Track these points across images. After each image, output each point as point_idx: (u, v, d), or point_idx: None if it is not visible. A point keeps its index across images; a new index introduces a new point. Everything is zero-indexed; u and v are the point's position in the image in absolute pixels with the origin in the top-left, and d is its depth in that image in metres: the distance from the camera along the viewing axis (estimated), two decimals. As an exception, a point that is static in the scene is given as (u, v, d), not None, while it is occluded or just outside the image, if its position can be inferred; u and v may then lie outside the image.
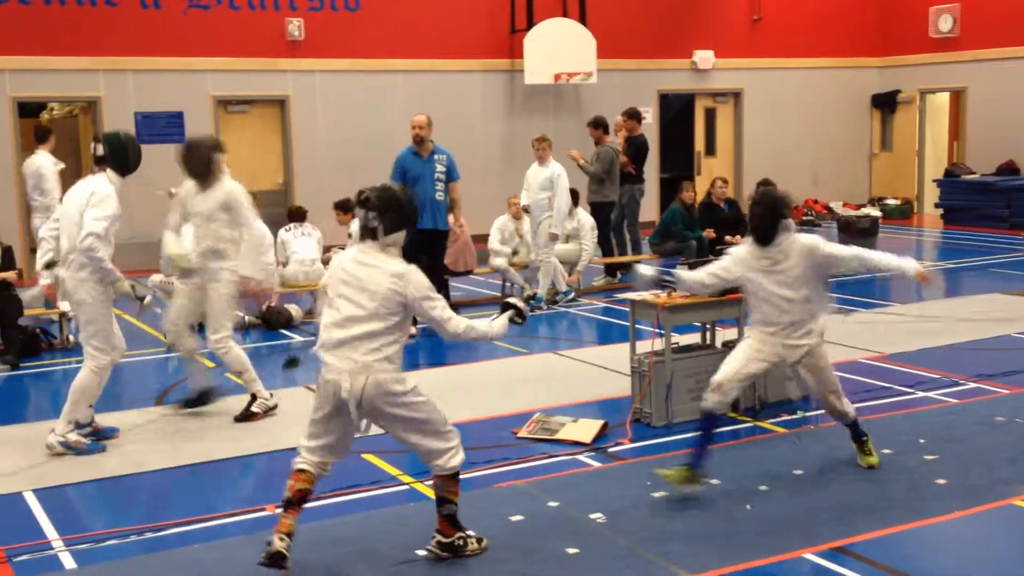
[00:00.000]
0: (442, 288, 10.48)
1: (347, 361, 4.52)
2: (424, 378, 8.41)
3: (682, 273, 5.85)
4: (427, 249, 9.86)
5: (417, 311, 4.60)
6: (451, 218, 10.39)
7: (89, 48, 14.43)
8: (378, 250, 4.65)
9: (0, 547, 4.98)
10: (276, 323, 10.46)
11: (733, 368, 5.63)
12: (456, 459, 4.71)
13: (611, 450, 6.41)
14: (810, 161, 19.87)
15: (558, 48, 16.88)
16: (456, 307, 11.33)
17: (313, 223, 11.49)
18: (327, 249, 11.33)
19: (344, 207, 11.22)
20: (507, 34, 17.28)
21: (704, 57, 18.89)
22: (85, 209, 6.31)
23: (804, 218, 18.47)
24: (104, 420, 7.00)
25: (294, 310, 10.64)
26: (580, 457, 6.27)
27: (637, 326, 7.09)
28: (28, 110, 15.63)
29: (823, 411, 5.95)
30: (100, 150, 6.51)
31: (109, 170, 6.51)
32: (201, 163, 7.02)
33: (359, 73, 16.21)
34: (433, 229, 9.99)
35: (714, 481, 5.69)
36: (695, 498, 5.45)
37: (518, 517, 5.24)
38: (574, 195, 12.38)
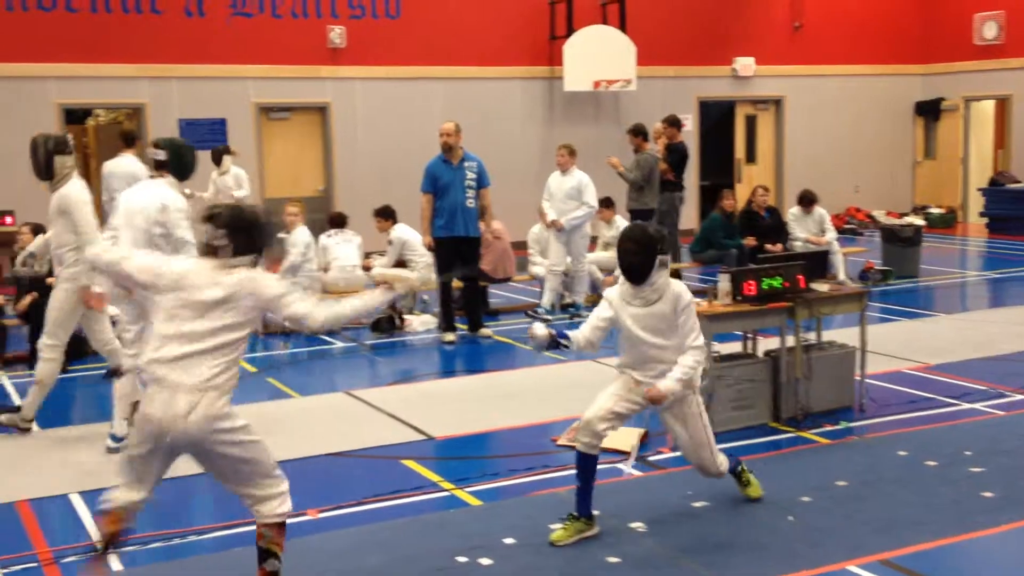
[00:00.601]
0: (477, 294, 10.50)
1: (184, 377, 4.07)
2: (462, 385, 8.47)
3: (572, 333, 5.27)
4: (459, 256, 9.93)
5: (275, 309, 4.24)
6: (482, 225, 10.44)
7: (134, 55, 14.62)
8: (220, 269, 4.20)
9: (48, 548, 5.05)
10: (317, 328, 10.51)
11: (602, 407, 5.13)
12: (283, 507, 4.30)
13: (652, 459, 6.39)
14: (852, 169, 19.71)
15: (597, 55, 16.87)
16: (496, 313, 11.38)
17: (353, 229, 11.56)
18: (367, 255, 11.39)
19: (384, 214, 11.28)
20: (547, 41, 17.30)
21: (745, 64, 18.80)
22: (159, 219, 6.30)
23: (846, 226, 18.30)
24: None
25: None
26: (620, 465, 6.24)
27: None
28: (74, 117, 15.86)
29: (694, 466, 5.39)
30: (161, 155, 6.54)
31: (169, 176, 6.55)
32: (39, 164, 6.81)
33: (399, 80, 16.31)
34: (465, 236, 10.04)
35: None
36: (736, 509, 5.41)
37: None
38: (611, 203, 12.39)
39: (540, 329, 5.27)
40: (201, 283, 4.17)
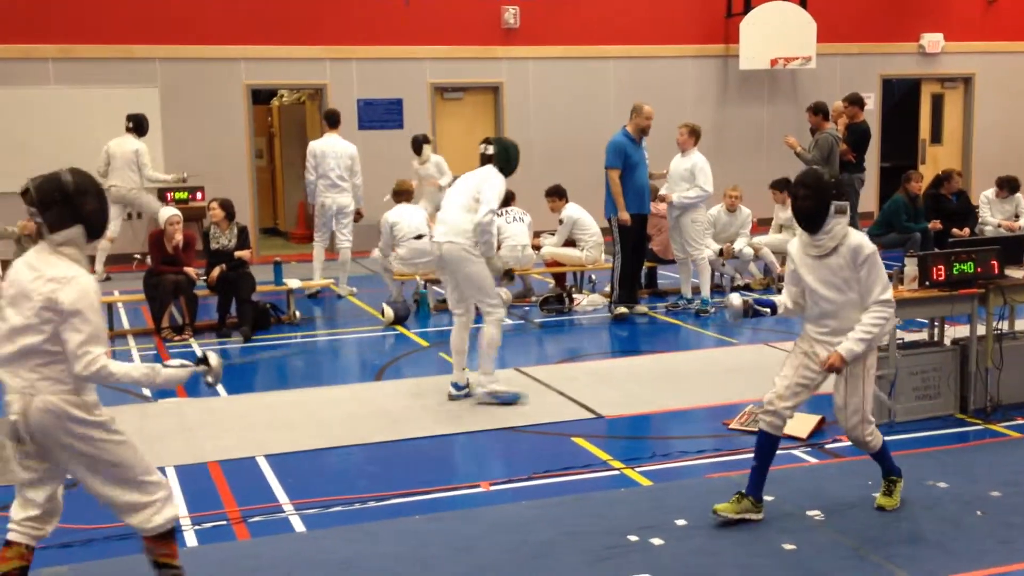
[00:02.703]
0: (637, 270, 10.41)
1: (16, 379, 3.79)
2: (629, 365, 8.43)
3: (777, 298, 5.13)
4: (638, 234, 9.95)
5: (60, 328, 3.73)
6: (653, 206, 10.40)
7: (318, 37, 15.11)
8: (49, 251, 3.83)
9: (236, 508, 5.31)
10: (487, 305, 10.66)
11: (783, 383, 4.95)
12: (159, 517, 3.93)
13: (828, 446, 6.20)
14: (1049, 151, 18.56)
15: (776, 32, 16.42)
16: (665, 294, 11.26)
17: (521, 207, 11.63)
18: (536, 235, 11.45)
19: (555, 193, 11.30)
20: (722, 19, 16.94)
21: (933, 40, 17.93)
22: (477, 188, 7.02)
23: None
24: (327, 393, 7.35)
25: (504, 293, 10.80)
26: (795, 452, 6.10)
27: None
28: (259, 97, 16.54)
29: (844, 431, 5.12)
30: (490, 150, 7.20)
31: (495, 167, 7.16)
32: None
33: (571, 60, 16.29)
34: (647, 214, 10.17)
35: (941, 484, 5.42)
36: (920, 501, 5.19)
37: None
38: (788, 184, 12.01)
39: (736, 299, 5.15)
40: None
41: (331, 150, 11.55)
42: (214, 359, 4.13)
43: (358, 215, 11.81)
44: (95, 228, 3.91)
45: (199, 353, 4.21)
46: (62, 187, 3.82)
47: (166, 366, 4.01)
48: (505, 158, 7.20)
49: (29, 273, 3.82)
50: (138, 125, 12.29)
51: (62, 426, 3.78)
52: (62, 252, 3.83)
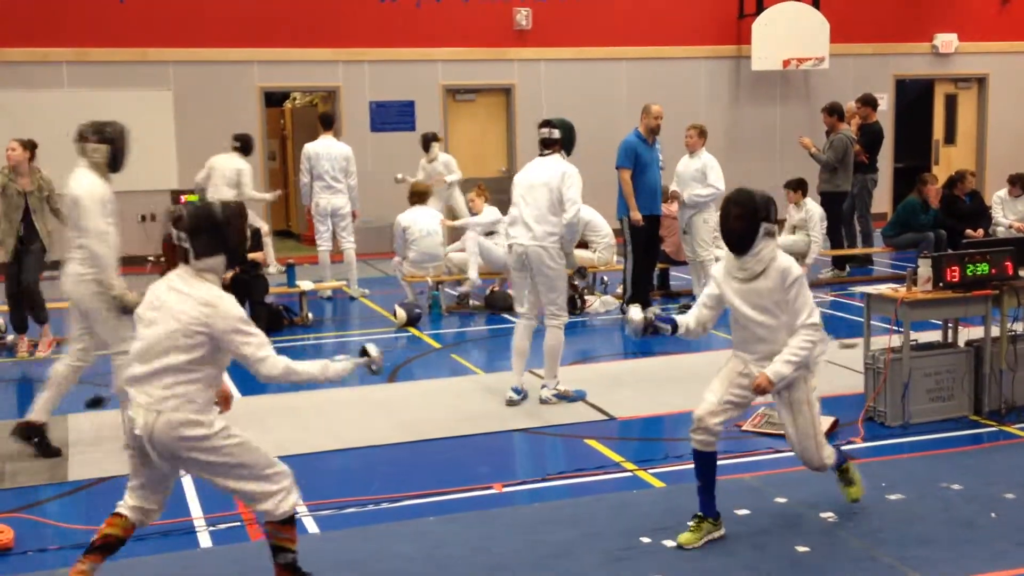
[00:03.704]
0: (650, 271, 10.42)
1: (143, 396, 4.00)
2: (641, 366, 8.43)
3: (679, 317, 5.06)
4: (649, 234, 9.95)
5: (226, 346, 4.01)
6: (665, 207, 10.42)
7: (330, 40, 15.16)
8: (192, 275, 4.07)
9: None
10: (500, 306, 10.69)
11: (713, 399, 4.81)
12: (287, 503, 4.15)
13: (842, 448, 6.17)
14: (1063, 152, 18.48)
15: (788, 33, 16.40)
16: (677, 295, 11.26)
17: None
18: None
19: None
20: (735, 20, 16.93)
21: (946, 40, 17.88)
22: (558, 188, 6.98)
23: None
24: (340, 395, 7.39)
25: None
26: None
27: (872, 322, 6.81)
28: (272, 100, 16.60)
29: (796, 456, 5.02)
30: (556, 134, 7.12)
31: (562, 151, 7.13)
32: None
33: (583, 61, 16.30)
34: (658, 215, 10.16)
35: (956, 486, 5.40)
36: (935, 503, 5.18)
37: (744, 511, 5.14)
38: (803, 184, 12.00)
39: (636, 313, 5.07)
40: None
41: (325, 152, 11.58)
42: (374, 350, 4.33)
43: (353, 216, 11.82)
44: (235, 258, 4.21)
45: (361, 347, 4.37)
46: (212, 217, 4.10)
47: (334, 361, 4.25)
48: (570, 139, 7.22)
49: (174, 295, 4.03)
50: (244, 145, 12.20)
51: (185, 443, 3.99)
52: (204, 277, 4.07)
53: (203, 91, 14.60)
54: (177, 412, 3.96)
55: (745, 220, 4.66)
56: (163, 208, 13.69)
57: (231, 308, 4.01)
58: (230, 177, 12.04)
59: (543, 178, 7.10)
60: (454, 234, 11.56)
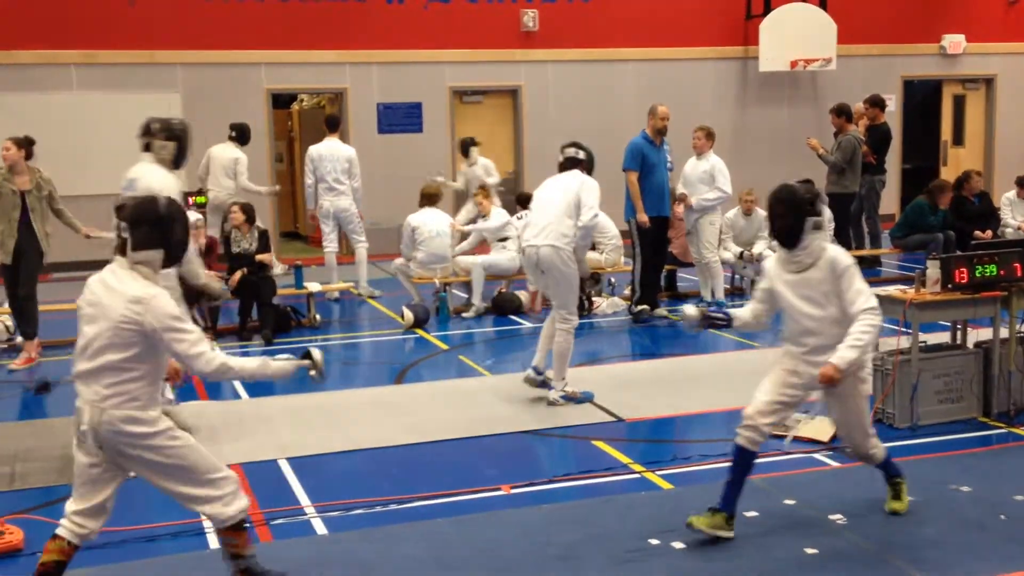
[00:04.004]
0: (658, 272, 10.42)
1: (89, 392, 3.94)
2: (649, 368, 8.42)
3: (735, 310, 5.18)
4: (657, 236, 9.96)
5: (158, 343, 3.93)
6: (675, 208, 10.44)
7: (337, 42, 15.18)
8: (125, 268, 3.99)
9: (259, 510, 5.33)
10: (507, 308, 10.68)
11: (763, 398, 4.84)
12: (231, 508, 4.07)
13: (850, 450, 6.16)
14: (1072, 152, 18.44)
15: (795, 34, 16.38)
16: (684, 297, 11.24)
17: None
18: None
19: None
20: (742, 20, 16.92)
21: (954, 41, 17.85)
22: (576, 194, 7.15)
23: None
24: (348, 396, 7.37)
25: (524, 296, 10.83)
26: (816, 456, 6.08)
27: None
28: (280, 101, 16.62)
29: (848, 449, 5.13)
30: (581, 155, 7.38)
31: (585, 171, 7.36)
32: None
33: (590, 63, 16.31)
34: (666, 217, 10.17)
35: (965, 488, 5.39)
36: (944, 506, 5.17)
37: (753, 513, 5.13)
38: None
39: (691, 309, 5.17)
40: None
41: (329, 153, 11.61)
42: (317, 354, 4.28)
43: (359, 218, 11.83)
44: (173, 257, 4.10)
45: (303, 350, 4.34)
46: (156, 210, 4.03)
47: (275, 359, 4.21)
48: (592, 164, 7.45)
49: (106, 292, 3.96)
50: (241, 134, 12.31)
51: (130, 440, 3.94)
52: (138, 270, 3.99)
53: (211, 93, 14.63)
54: (119, 409, 3.91)
55: (790, 215, 4.76)
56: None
57: (162, 305, 3.91)
58: (228, 166, 12.10)
59: (562, 186, 7.28)
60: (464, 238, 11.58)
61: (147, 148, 6.38)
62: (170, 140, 6.37)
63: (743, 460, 4.86)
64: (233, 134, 12.32)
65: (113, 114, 13.86)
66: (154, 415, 4.00)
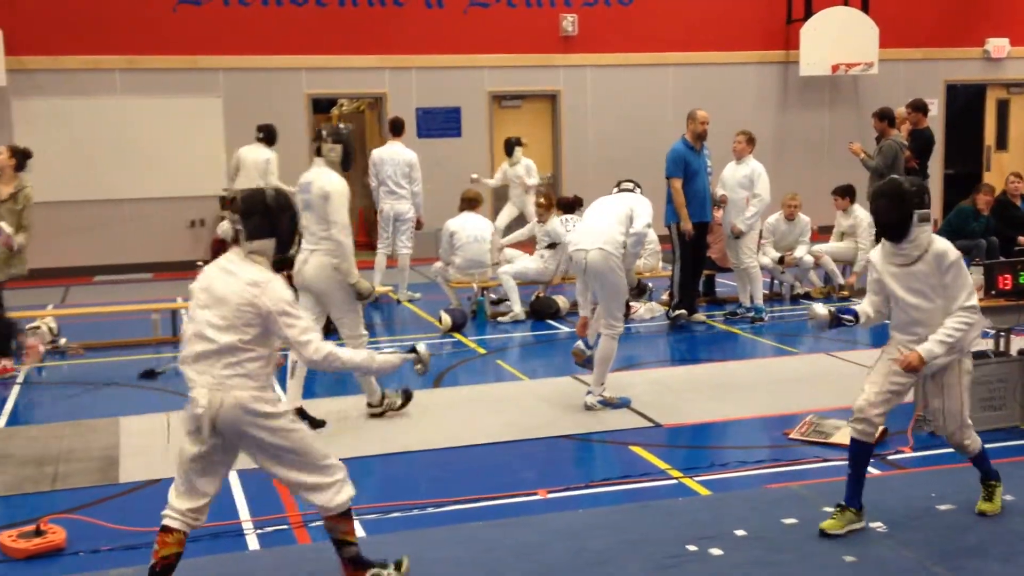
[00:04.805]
0: (696, 277, 10.38)
1: (206, 376, 4.04)
2: (687, 374, 8.39)
3: (861, 308, 5.13)
4: (696, 241, 9.92)
5: (272, 326, 4.06)
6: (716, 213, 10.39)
7: (377, 47, 15.28)
8: (241, 257, 4.17)
9: (298, 512, 5.37)
10: (545, 313, 10.68)
11: (873, 390, 4.93)
12: (341, 496, 4.22)
13: (891, 458, 6.11)
14: (1119, 157, 18.14)
15: (837, 38, 16.26)
16: (723, 302, 11.18)
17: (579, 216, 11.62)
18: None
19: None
20: (783, 25, 16.82)
21: (998, 45, 17.63)
22: (630, 206, 7.29)
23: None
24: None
25: (561, 301, 10.83)
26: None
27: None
28: (319, 107, 16.74)
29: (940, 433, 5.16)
30: (629, 185, 7.60)
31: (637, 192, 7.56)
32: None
33: (630, 67, 16.28)
34: (706, 222, 10.14)
35: (1008, 497, 5.30)
36: (986, 514, 5.10)
37: (791, 520, 5.09)
38: (851, 191, 11.90)
39: (820, 309, 5.17)
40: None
41: (389, 157, 11.69)
42: (423, 349, 4.43)
43: (418, 223, 11.89)
44: (285, 244, 4.26)
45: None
46: (265, 201, 4.19)
47: (381, 353, 4.34)
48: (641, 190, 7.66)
49: (222, 277, 4.13)
50: (269, 135, 12.38)
51: (252, 420, 4.04)
52: (253, 259, 4.16)
53: (252, 98, 14.77)
54: (242, 390, 4.02)
55: (896, 210, 4.80)
56: (212, 213, 13.90)
57: (278, 289, 4.07)
58: (261, 167, 12.21)
59: (615, 199, 7.44)
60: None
61: (318, 152, 6.77)
62: (337, 144, 6.75)
63: (859, 452, 4.95)
64: (261, 135, 12.44)
65: (156, 118, 14.03)
66: (275, 397, 4.13)
